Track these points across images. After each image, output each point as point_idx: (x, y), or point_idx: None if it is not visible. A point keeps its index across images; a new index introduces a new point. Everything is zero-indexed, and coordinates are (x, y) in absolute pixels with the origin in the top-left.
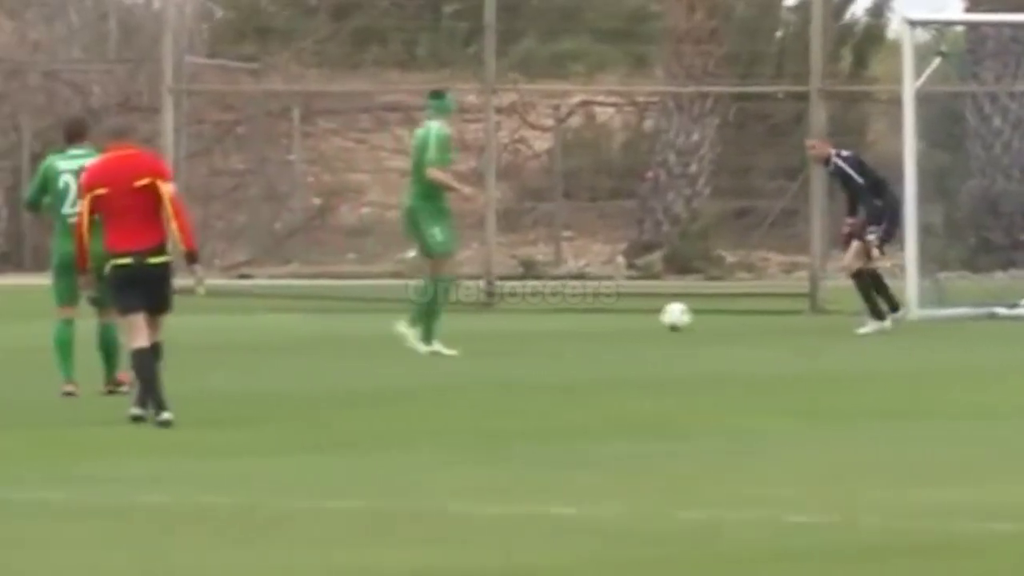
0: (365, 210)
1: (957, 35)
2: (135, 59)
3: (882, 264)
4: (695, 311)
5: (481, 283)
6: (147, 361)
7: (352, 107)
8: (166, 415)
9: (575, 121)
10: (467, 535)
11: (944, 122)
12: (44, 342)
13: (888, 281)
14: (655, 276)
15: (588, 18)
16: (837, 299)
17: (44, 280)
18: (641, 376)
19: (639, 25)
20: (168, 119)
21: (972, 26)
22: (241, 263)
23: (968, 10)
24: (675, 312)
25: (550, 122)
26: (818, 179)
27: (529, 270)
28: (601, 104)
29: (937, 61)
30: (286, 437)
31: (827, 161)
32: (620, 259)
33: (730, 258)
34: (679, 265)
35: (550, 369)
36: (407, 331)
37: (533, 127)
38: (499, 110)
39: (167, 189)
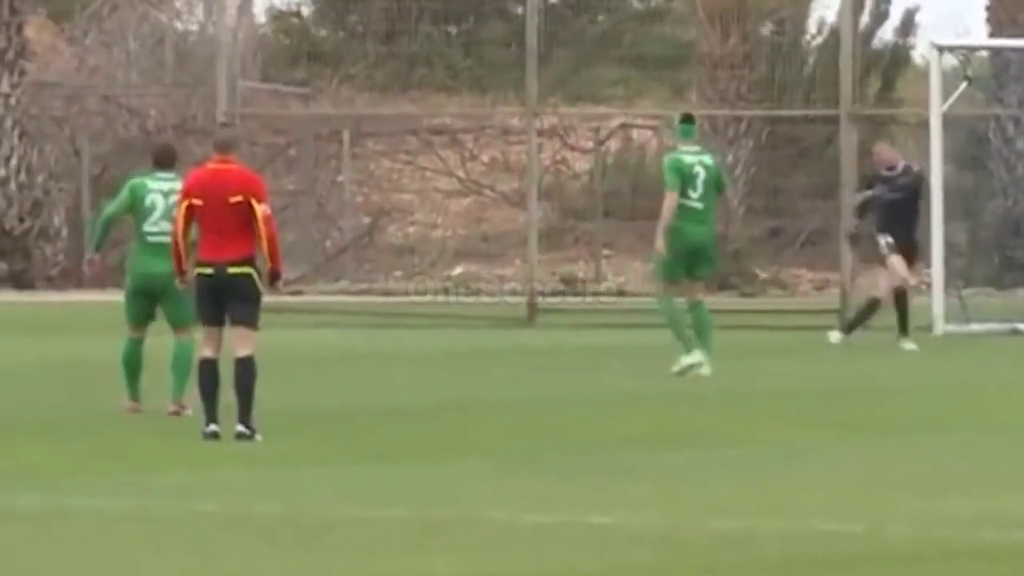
0: (411, 229)
1: (982, 60)
2: (190, 83)
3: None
4: (730, 327)
5: (524, 299)
6: (208, 372)
7: (399, 129)
8: (213, 427)
9: (614, 143)
10: (508, 543)
11: (969, 144)
12: (106, 357)
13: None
14: None
15: (625, 44)
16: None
17: (104, 297)
18: (678, 390)
19: (675, 51)
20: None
21: (996, 51)
22: (292, 280)
23: (992, 35)
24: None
25: (590, 144)
26: (848, 197)
27: (570, 287)
28: (639, 127)
29: (964, 86)
30: (333, 448)
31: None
32: None
33: (763, 275)
34: (714, 282)
35: (590, 383)
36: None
37: (573, 149)
38: (540, 132)
39: (261, 209)
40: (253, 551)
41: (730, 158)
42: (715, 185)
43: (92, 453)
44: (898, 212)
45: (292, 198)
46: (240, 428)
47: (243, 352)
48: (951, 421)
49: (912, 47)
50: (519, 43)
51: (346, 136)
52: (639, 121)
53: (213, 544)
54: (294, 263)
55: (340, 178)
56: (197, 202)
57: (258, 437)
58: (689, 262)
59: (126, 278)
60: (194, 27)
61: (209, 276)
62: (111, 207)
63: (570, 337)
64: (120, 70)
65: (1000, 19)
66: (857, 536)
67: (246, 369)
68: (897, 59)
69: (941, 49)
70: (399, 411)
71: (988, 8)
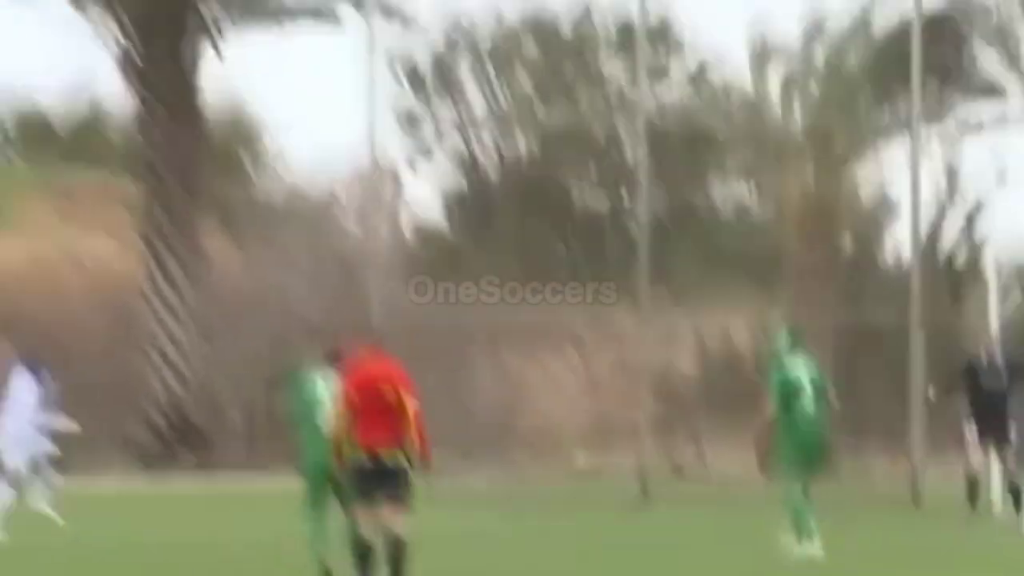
0: (539, 421)
1: None
2: (348, 292)
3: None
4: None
5: (637, 485)
6: (363, 549)
7: (529, 331)
8: None
9: (715, 343)
10: None
11: None
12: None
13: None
14: None
15: (724, 253)
16: (936, 498)
17: (280, 483)
18: (772, 567)
19: (768, 263)
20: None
21: None
22: (437, 461)
23: None
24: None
25: (694, 345)
26: (918, 390)
27: (678, 473)
28: (737, 329)
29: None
30: None
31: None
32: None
33: (843, 460)
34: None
35: (704, 564)
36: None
37: (680, 349)
38: (650, 335)
39: (411, 403)
40: None
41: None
42: (821, 391)
43: None
44: (988, 400)
45: (433, 392)
46: None
47: (396, 531)
48: None
49: (980, 259)
50: (633, 255)
51: (481, 338)
52: (737, 323)
53: None
54: (435, 451)
55: (477, 376)
56: (354, 394)
57: None
58: (806, 459)
59: (301, 465)
60: (348, 243)
61: (365, 460)
62: (288, 403)
63: (680, 519)
64: (287, 275)
65: None
66: None
67: (399, 547)
68: (966, 272)
69: (1000, 268)
70: None
71: None
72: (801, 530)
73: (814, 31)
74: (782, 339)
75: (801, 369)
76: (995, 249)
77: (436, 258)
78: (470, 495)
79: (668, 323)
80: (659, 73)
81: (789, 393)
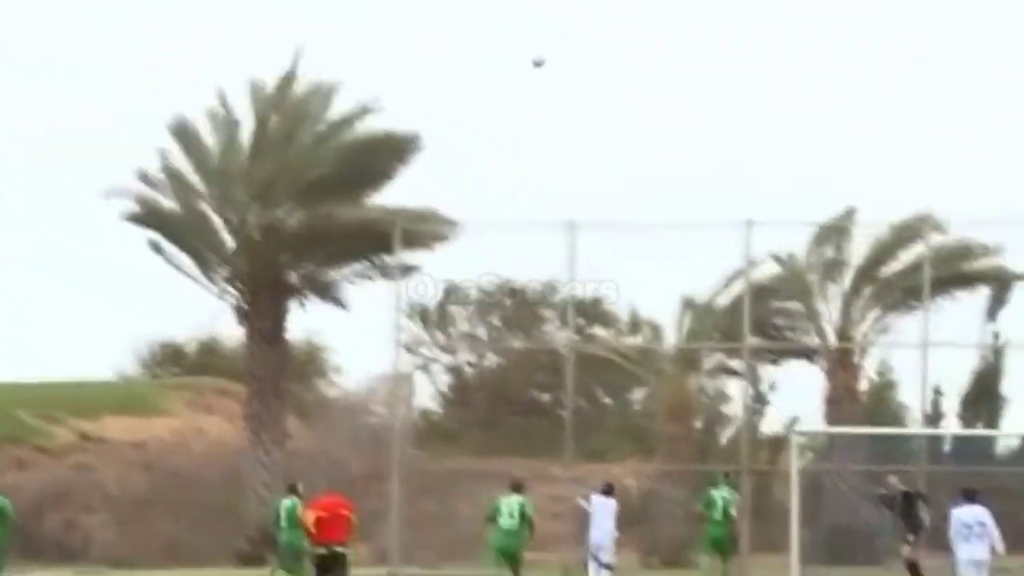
0: None
1: (820, 438)
2: (376, 449)
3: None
4: None
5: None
6: None
7: (491, 476)
8: None
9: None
10: None
11: (812, 487)
12: None
13: None
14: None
15: (618, 425)
16: None
17: None
18: None
19: (644, 431)
20: (395, 483)
21: (829, 434)
22: (433, 560)
23: (826, 426)
24: None
25: (597, 484)
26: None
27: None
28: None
29: (810, 455)
30: None
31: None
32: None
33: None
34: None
35: None
36: None
37: (590, 488)
38: (571, 479)
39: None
40: None
41: (677, 493)
42: (728, 507)
43: None
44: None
45: (432, 514)
46: None
47: None
48: None
49: (786, 432)
50: (560, 427)
51: (462, 479)
52: (626, 472)
53: None
54: (434, 550)
55: (459, 503)
56: (321, 511)
57: None
58: (715, 548)
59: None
60: (376, 420)
61: (325, 551)
62: (490, 516)
63: None
64: (336, 443)
65: (830, 415)
66: None
67: None
68: (775, 439)
69: (799, 433)
70: None
71: (825, 410)
72: None
73: (685, 306)
74: (718, 478)
75: (717, 494)
76: (797, 425)
77: (434, 430)
78: None
79: (581, 471)
80: (585, 318)
81: (709, 504)
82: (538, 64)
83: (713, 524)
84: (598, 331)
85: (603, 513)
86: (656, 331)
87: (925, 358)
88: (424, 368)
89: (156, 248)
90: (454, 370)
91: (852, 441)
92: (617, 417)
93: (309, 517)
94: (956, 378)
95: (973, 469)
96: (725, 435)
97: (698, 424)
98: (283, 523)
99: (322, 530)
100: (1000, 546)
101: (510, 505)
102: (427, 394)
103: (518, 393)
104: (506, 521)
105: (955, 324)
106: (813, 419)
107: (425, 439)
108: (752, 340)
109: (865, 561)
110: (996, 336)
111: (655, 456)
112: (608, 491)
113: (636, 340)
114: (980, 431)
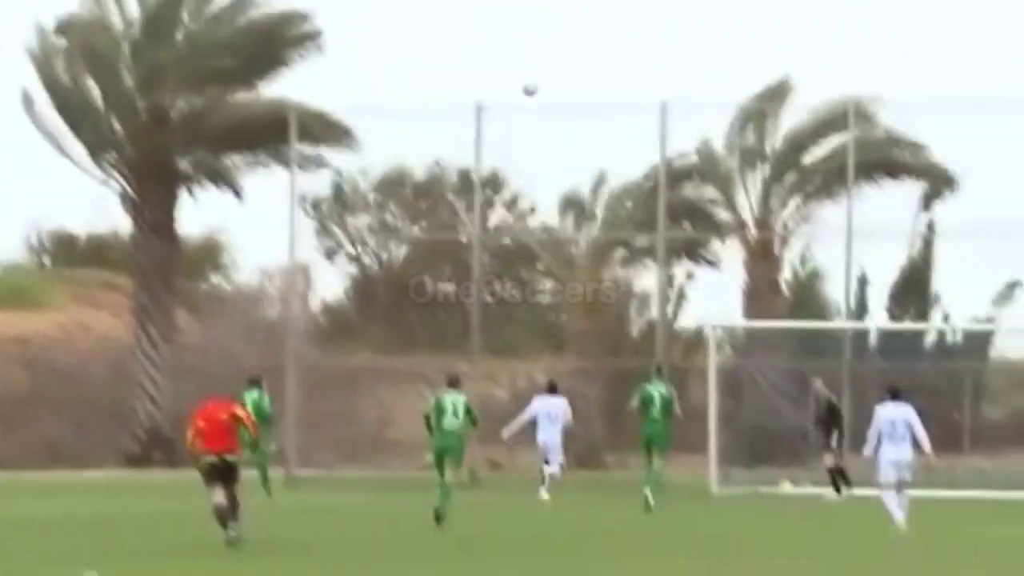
0: (400, 434)
1: (739, 333)
2: (273, 345)
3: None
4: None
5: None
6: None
7: (395, 373)
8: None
9: (522, 381)
10: None
11: (730, 384)
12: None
13: None
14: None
15: (528, 322)
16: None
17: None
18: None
19: (556, 326)
20: (291, 380)
21: (747, 328)
22: (332, 462)
23: (746, 319)
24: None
25: (507, 382)
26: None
27: (495, 467)
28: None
29: (728, 349)
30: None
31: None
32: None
33: (610, 459)
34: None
35: (523, 524)
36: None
37: (498, 385)
38: (479, 375)
39: (242, 412)
40: None
41: (590, 391)
42: (668, 405)
43: None
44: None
45: (331, 414)
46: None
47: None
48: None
49: (702, 325)
50: (467, 322)
51: (363, 377)
52: (536, 369)
53: None
54: (333, 451)
55: (361, 402)
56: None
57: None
58: (650, 446)
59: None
60: (274, 314)
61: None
62: (425, 412)
63: (506, 498)
64: (230, 338)
65: (750, 308)
66: None
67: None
68: (692, 333)
69: (715, 327)
70: (408, 545)
71: (744, 303)
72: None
73: (599, 183)
74: (651, 373)
75: (653, 390)
76: (712, 320)
77: (334, 326)
78: (354, 481)
79: (490, 368)
80: (490, 205)
81: (646, 401)
82: (530, 93)
83: (651, 422)
84: (507, 220)
85: (548, 413)
86: (567, 221)
87: (849, 249)
88: (323, 261)
89: (27, 103)
90: (355, 262)
91: (773, 337)
92: (527, 311)
93: (189, 432)
94: (884, 271)
95: (900, 365)
96: (638, 330)
97: (611, 319)
98: (444, 424)
99: (206, 440)
100: (926, 446)
101: (454, 403)
102: (326, 288)
103: (422, 286)
104: (450, 421)
105: (882, 215)
106: (732, 313)
107: (325, 335)
108: (667, 230)
109: (787, 462)
110: (931, 226)
111: (567, 352)
112: (552, 389)
113: (546, 230)
114: (908, 325)
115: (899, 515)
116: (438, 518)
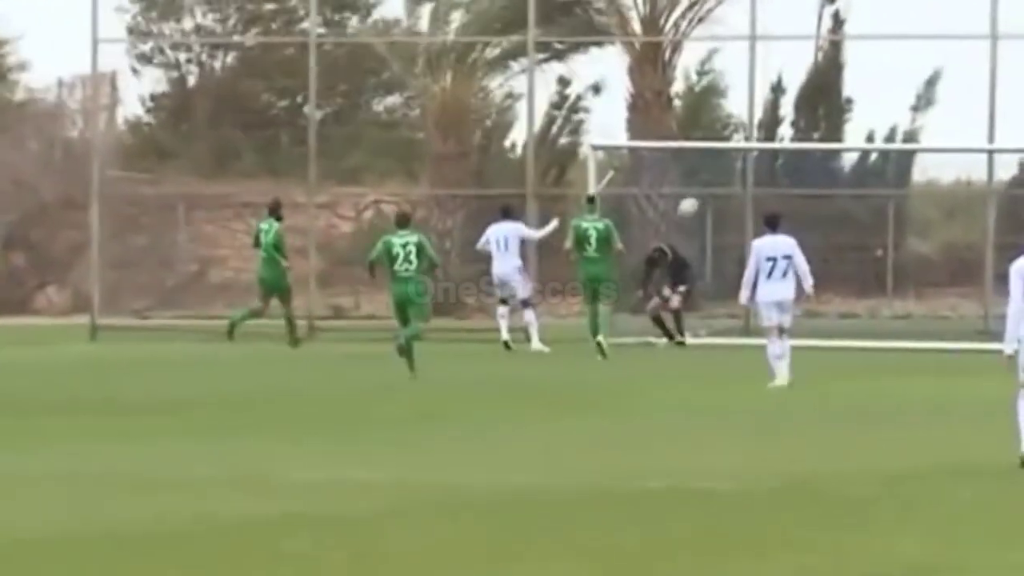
0: (228, 274)
1: (624, 155)
2: (73, 169)
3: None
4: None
5: (306, 322)
6: None
7: (219, 203)
8: None
9: (368, 213)
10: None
11: (615, 214)
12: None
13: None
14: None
15: (377, 142)
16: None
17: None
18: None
19: (408, 146)
20: (95, 212)
21: (633, 149)
22: (143, 308)
23: (631, 139)
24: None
25: (352, 214)
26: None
27: (339, 314)
28: (386, 202)
29: (611, 174)
30: (173, 425)
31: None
32: None
33: (471, 303)
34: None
35: (355, 378)
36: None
37: (340, 217)
38: (317, 206)
39: None
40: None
41: (449, 223)
42: (606, 240)
43: None
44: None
45: (143, 252)
46: None
47: None
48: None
49: (579, 145)
50: (303, 143)
51: (181, 208)
52: (386, 198)
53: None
54: (145, 297)
55: (178, 237)
56: None
57: None
58: (592, 288)
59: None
60: (75, 133)
61: None
62: (370, 256)
63: (340, 348)
64: (24, 161)
65: (636, 127)
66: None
67: None
68: (567, 154)
69: (595, 147)
70: (226, 398)
71: (628, 120)
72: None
73: None
74: (584, 205)
75: (588, 224)
76: (592, 138)
77: (147, 146)
78: (170, 330)
79: (331, 196)
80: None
81: (580, 238)
82: None
83: (589, 261)
84: (352, 22)
85: (502, 241)
86: (423, 21)
87: (753, 53)
88: (134, 69)
89: None
90: (171, 70)
91: (663, 158)
92: (374, 128)
93: None
94: (790, 80)
95: (810, 191)
96: (506, 151)
97: (474, 138)
98: (261, 252)
99: None
100: (808, 282)
101: (406, 245)
102: (137, 101)
103: (252, 101)
104: (402, 267)
105: (789, 14)
106: (615, 132)
107: (135, 158)
108: (539, 31)
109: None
110: (837, 17)
111: (422, 178)
112: (507, 212)
113: (398, 31)
114: (819, 144)
115: (782, 369)
116: (401, 352)
